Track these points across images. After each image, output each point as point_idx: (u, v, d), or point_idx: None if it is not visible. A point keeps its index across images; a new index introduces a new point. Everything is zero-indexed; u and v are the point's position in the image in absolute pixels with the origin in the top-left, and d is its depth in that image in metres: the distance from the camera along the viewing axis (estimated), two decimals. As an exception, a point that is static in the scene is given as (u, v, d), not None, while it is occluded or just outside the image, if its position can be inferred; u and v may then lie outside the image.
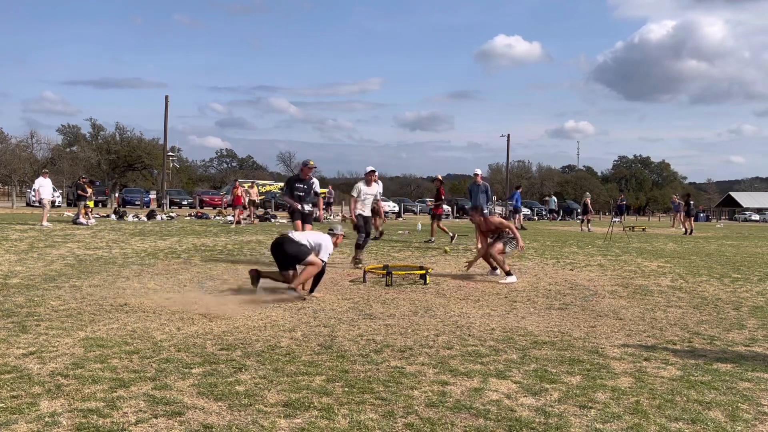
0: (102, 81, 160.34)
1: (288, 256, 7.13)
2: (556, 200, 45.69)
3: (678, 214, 32.96)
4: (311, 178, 9.88)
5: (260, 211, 25.39)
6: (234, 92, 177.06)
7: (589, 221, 27.99)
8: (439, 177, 17.30)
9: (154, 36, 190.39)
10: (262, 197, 36.86)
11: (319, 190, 10.33)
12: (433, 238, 15.87)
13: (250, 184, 27.41)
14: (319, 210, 11.15)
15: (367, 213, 10.54)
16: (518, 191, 25.98)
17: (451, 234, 15.85)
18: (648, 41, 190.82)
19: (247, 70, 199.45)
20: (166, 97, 43.33)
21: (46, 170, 23.38)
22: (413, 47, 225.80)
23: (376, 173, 10.69)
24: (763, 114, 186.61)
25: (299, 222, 9.62)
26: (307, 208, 9.75)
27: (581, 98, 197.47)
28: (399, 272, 8.76)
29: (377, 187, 10.78)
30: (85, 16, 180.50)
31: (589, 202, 28.65)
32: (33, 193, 21.57)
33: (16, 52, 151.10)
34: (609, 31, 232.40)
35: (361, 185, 10.57)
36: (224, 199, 36.85)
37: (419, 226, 22.43)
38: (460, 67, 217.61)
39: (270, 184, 51.60)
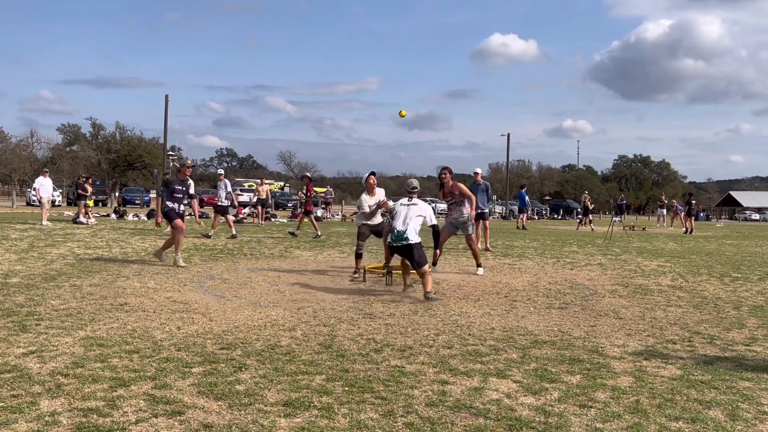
0: (99, 80, 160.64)
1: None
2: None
3: (667, 214, 33.05)
4: (188, 179, 10.25)
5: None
6: (231, 91, 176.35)
7: (590, 221, 28.05)
8: (308, 175, 18.23)
9: (150, 35, 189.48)
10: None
11: (193, 191, 10.40)
12: (319, 232, 16.31)
13: (260, 183, 27.19)
14: (195, 211, 11.81)
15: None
16: (523, 190, 25.99)
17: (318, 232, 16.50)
18: (644, 40, 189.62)
19: (244, 69, 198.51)
20: (166, 96, 43.27)
21: (47, 169, 23.39)
22: (410, 47, 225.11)
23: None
24: (762, 113, 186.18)
25: (180, 220, 9.92)
26: (182, 208, 10.12)
27: (579, 97, 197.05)
28: (399, 272, 8.74)
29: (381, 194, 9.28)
30: (81, 15, 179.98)
31: (588, 202, 28.73)
32: (34, 192, 21.59)
33: (12, 51, 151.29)
34: (605, 30, 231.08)
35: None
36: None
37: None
38: (457, 67, 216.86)
39: (269, 183, 51.67)
